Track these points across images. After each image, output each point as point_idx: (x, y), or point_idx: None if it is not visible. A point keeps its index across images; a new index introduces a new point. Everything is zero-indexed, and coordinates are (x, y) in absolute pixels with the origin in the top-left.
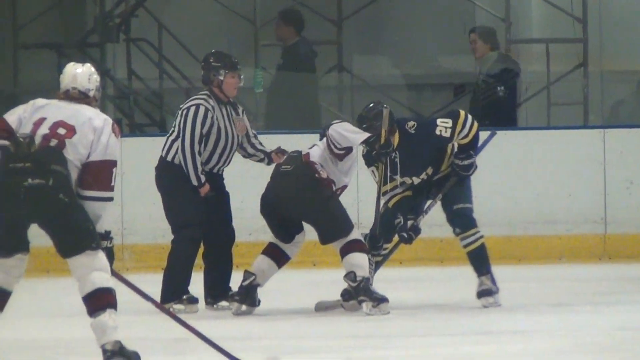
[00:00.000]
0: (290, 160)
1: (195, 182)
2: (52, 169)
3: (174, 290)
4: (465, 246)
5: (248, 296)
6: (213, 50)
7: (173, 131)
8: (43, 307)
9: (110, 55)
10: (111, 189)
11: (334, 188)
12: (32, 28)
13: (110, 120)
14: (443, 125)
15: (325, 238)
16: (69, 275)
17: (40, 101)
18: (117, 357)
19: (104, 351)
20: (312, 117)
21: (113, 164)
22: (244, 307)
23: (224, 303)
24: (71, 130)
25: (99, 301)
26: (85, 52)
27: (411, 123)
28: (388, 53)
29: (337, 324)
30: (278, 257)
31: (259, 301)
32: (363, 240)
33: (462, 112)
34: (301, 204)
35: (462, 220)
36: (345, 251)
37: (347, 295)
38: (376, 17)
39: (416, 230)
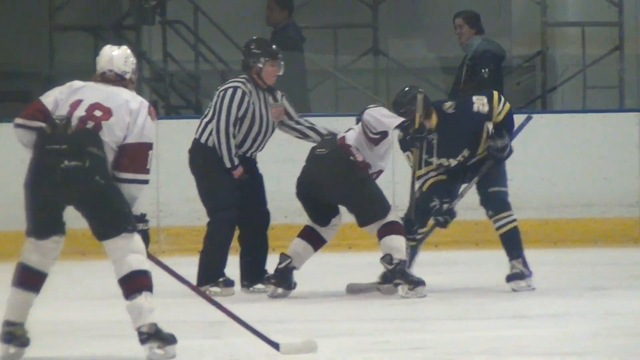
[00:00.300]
0: (325, 144)
1: (228, 165)
2: (88, 151)
3: (210, 273)
4: (498, 229)
5: (284, 279)
6: (255, 37)
7: (208, 113)
8: (78, 290)
9: (146, 37)
10: (147, 171)
11: (370, 172)
12: (68, 10)
13: (146, 103)
14: (479, 102)
15: (363, 220)
16: (104, 257)
17: (76, 83)
18: (152, 340)
19: (140, 333)
20: (302, 101)
21: (149, 146)
22: (279, 290)
23: (259, 286)
24: (107, 113)
25: (134, 284)
26: (121, 34)
27: (448, 104)
28: (424, 36)
29: (372, 307)
30: (314, 240)
31: (295, 284)
32: (400, 222)
33: (495, 91)
34: (337, 187)
35: (495, 203)
36: (382, 233)
37: (386, 278)
38: (412, 0)
39: (451, 213)
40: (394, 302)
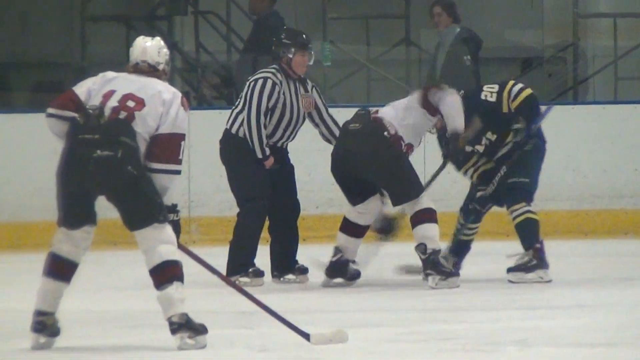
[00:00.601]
0: (358, 119)
1: (259, 155)
2: (121, 141)
3: (240, 263)
4: (512, 220)
5: (337, 271)
6: (285, 27)
7: (239, 103)
8: (109, 280)
9: (179, 28)
10: (179, 162)
11: (403, 145)
12: (100, 0)
13: (179, 94)
14: (488, 90)
15: (397, 199)
16: (135, 247)
17: (109, 74)
18: (183, 330)
19: (171, 323)
20: None
21: (181, 137)
22: (333, 281)
23: (290, 276)
24: (140, 103)
25: (165, 274)
26: (153, 25)
27: (460, 93)
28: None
29: (403, 297)
30: (355, 231)
31: (358, 273)
32: (434, 208)
33: (511, 80)
34: (370, 163)
35: (511, 193)
36: (415, 221)
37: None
38: None
39: (482, 201)
40: (426, 293)
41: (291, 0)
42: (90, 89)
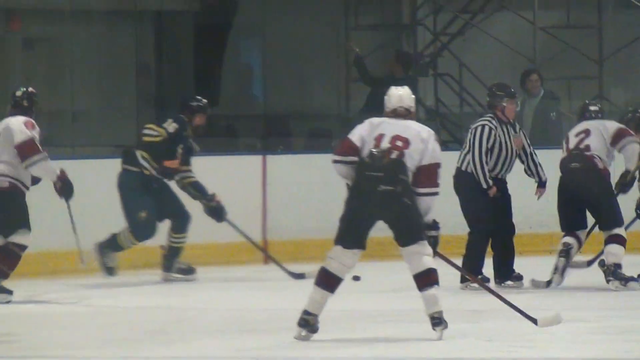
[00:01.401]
0: (576, 158)
1: (484, 186)
2: (399, 178)
3: (471, 272)
4: None
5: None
6: (496, 82)
7: (465, 146)
8: (371, 284)
9: (422, 86)
10: (438, 185)
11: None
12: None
13: (432, 131)
14: None
15: (606, 225)
16: (386, 259)
17: (375, 120)
18: (442, 323)
19: (432, 318)
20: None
21: (439, 165)
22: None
23: (509, 282)
24: (406, 142)
25: (428, 279)
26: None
27: None
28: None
29: (593, 296)
30: (569, 255)
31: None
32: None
33: None
34: (590, 195)
35: None
36: (608, 240)
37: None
38: (634, 55)
39: None
40: (610, 293)
41: (509, 64)
42: (362, 135)
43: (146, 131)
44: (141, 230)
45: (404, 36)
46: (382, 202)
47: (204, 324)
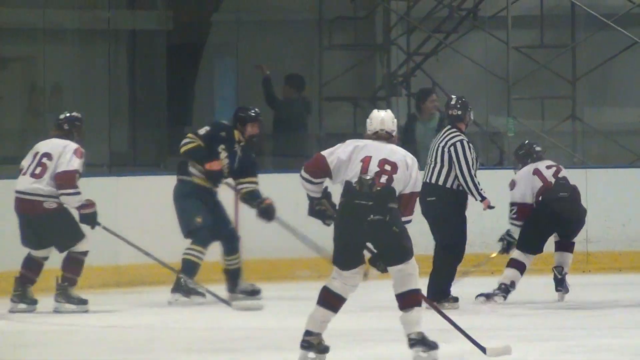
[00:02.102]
0: (565, 188)
1: (479, 199)
2: (389, 207)
3: (442, 293)
4: None
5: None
6: (458, 95)
7: (442, 164)
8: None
9: (395, 106)
10: (413, 213)
11: None
12: (334, 84)
13: (415, 159)
14: None
15: (572, 236)
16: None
17: (359, 142)
18: (419, 345)
19: (410, 339)
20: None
21: (418, 194)
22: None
23: (445, 303)
24: (394, 167)
25: (410, 300)
26: (375, 104)
27: None
28: (613, 104)
29: (566, 316)
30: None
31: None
32: None
33: None
34: (577, 221)
35: None
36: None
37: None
38: (607, 75)
39: None
40: (586, 313)
41: (482, 84)
42: (340, 158)
43: (183, 141)
44: (200, 235)
45: (378, 56)
46: (371, 231)
47: (180, 342)
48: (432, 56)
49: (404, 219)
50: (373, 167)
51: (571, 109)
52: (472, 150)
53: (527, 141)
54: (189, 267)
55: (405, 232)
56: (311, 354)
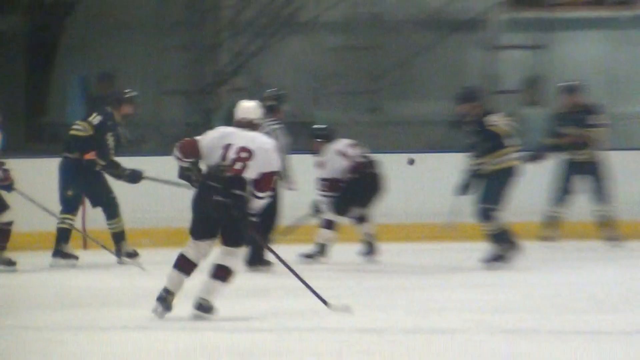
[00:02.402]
0: (367, 166)
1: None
2: (233, 193)
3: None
4: None
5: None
6: (271, 89)
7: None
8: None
9: (223, 99)
10: (272, 190)
11: None
12: (171, 80)
13: (274, 143)
14: None
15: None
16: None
17: (227, 129)
18: (202, 310)
19: (199, 301)
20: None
21: (275, 173)
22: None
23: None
24: (251, 154)
25: (222, 273)
26: (204, 97)
27: None
28: (415, 98)
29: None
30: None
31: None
32: None
33: None
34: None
35: None
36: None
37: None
38: (405, 73)
39: None
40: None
41: (300, 83)
42: (209, 143)
43: (74, 126)
44: (69, 205)
45: (208, 56)
46: (215, 210)
47: (40, 298)
48: (255, 57)
49: (264, 194)
50: (231, 154)
51: (374, 102)
52: (284, 136)
53: (324, 126)
54: (63, 234)
55: (246, 220)
56: (160, 309)
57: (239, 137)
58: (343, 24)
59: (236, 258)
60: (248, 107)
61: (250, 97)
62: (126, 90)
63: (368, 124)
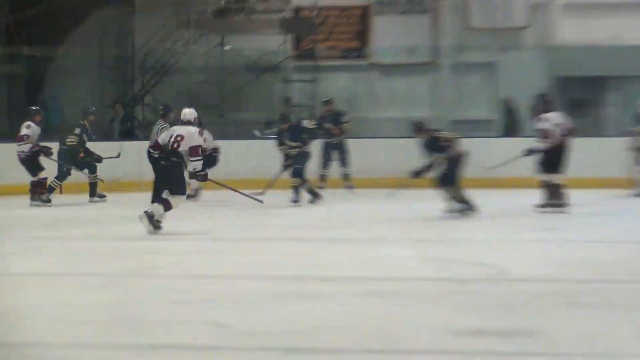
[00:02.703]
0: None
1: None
2: (170, 159)
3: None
4: None
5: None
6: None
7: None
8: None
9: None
10: (200, 155)
11: None
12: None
13: (197, 129)
14: None
15: None
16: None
17: (174, 127)
18: (149, 219)
19: (147, 213)
20: None
21: (199, 146)
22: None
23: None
24: (182, 138)
25: (167, 203)
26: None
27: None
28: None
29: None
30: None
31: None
32: None
33: None
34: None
35: None
36: None
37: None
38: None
39: None
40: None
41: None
42: (164, 137)
43: (69, 138)
44: (60, 176)
45: (128, 87)
46: (161, 170)
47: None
48: (154, 87)
49: (195, 159)
50: (172, 139)
51: (222, 111)
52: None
53: (167, 106)
54: (50, 189)
55: (180, 178)
56: (150, 228)
57: (179, 129)
58: (202, 68)
59: (173, 199)
60: (185, 112)
61: (155, 112)
62: (88, 107)
63: (218, 124)
